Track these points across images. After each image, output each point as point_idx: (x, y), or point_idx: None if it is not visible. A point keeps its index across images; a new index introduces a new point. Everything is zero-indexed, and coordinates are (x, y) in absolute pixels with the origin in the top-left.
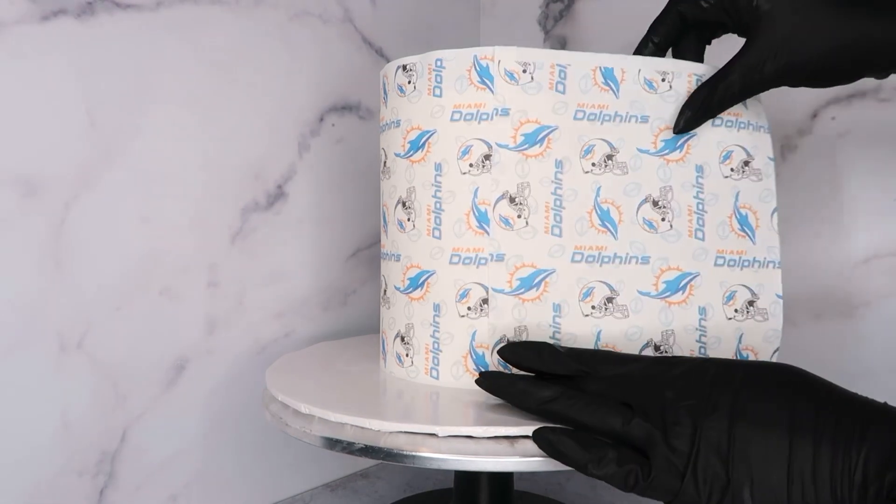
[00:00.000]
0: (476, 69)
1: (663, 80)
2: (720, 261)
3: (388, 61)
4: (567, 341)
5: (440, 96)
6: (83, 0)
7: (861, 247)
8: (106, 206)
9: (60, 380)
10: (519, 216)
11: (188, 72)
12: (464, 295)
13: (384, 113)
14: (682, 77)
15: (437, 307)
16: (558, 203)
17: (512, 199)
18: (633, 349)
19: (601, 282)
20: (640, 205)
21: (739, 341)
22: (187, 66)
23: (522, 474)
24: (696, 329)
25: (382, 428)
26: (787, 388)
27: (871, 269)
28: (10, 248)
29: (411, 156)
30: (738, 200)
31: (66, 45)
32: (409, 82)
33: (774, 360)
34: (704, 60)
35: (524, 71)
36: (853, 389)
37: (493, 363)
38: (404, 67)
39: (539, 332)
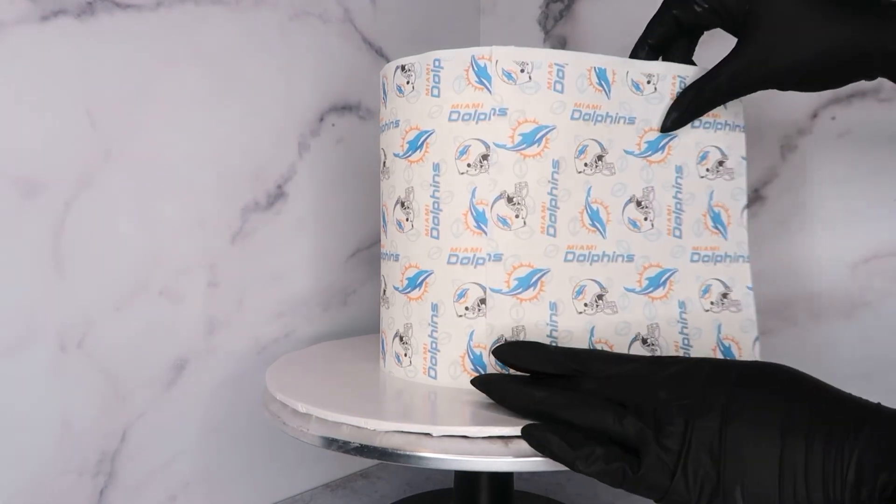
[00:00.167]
0: (474, 69)
1: (649, 82)
2: (695, 257)
3: (388, 61)
4: (564, 339)
5: (438, 96)
6: (83, 0)
7: (861, 247)
8: (106, 205)
9: (60, 380)
10: (517, 216)
11: (188, 72)
12: (461, 295)
13: (383, 113)
14: (666, 79)
15: (435, 307)
16: (553, 203)
17: (510, 199)
18: (622, 343)
19: (591, 280)
20: (626, 205)
21: (719, 332)
22: (187, 66)
23: (522, 474)
24: (678, 322)
25: (378, 427)
26: (780, 388)
27: (871, 269)
28: (10, 248)
29: (410, 156)
30: (712, 199)
31: (66, 45)
32: (408, 82)
33: (756, 348)
34: (698, 59)
35: (522, 70)
36: (852, 390)
37: (491, 363)
38: (403, 68)
39: (536, 331)
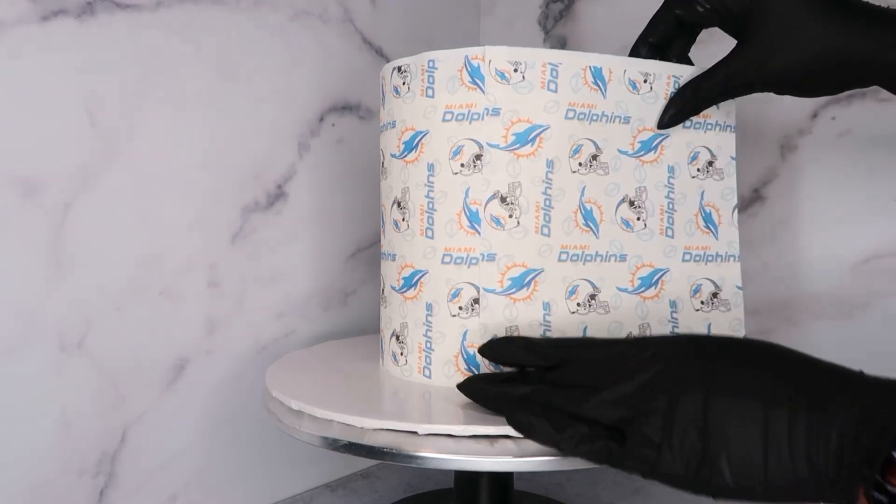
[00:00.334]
0: (467, 69)
1: (645, 81)
2: (687, 256)
3: (388, 61)
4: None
5: (433, 97)
6: (83, 0)
7: (861, 247)
8: (106, 206)
9: (60, 380)
10: (510, 216)
11: (188, 72)
12: (455, 294)
13: (382, 114)
14: (662, 79)
15: (429, 307)
16: (548, 203)
17: (503, 199)
18: None
19: (585, 280)
20: (619, 205)
21: (709, 331)
22: (187, 66)
23: (522, 474)
24: (669, 321)
25: (365, 425)
26: (761, 359)
27: (871, 269)
28: (10, 249)
29: (406, 156)
30: (703, 199)
31: (66, 45)
32: (404, 83)
33: None
34: (695, 58)
35: (515, 70)
36: None
37: (484, 363)
38: (399, 69)
39: (530, 331)
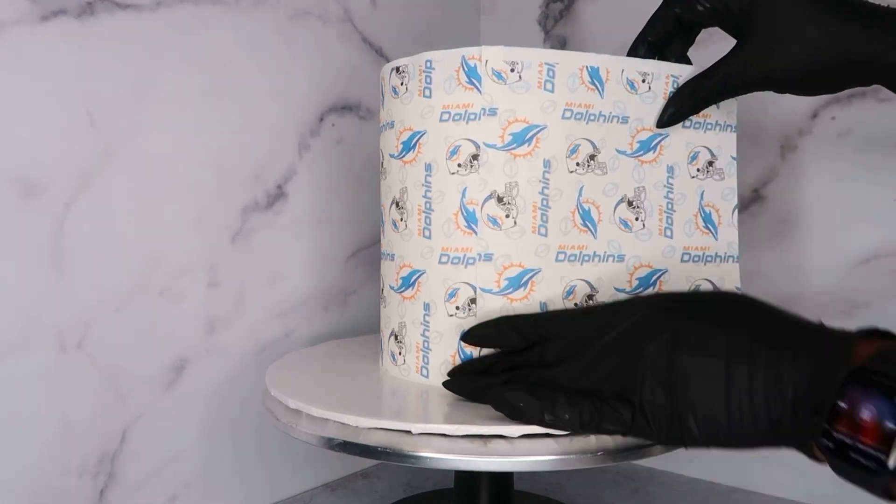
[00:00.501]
0: (464, 69)
1: (643, 80)
2: (686, 257)
3: (388, 61)
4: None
5: (430, 97)
6: (83, 0)
7: (861, 247)
8: (106, 206)
9: (60, 380)
10: (507, 216)
11: (188, 72)
12: (452, 294)
13: (382, 115)
14: (660, 79)
15: (427, 306)
16: (545, 203)
17: (500, 199)
18: None
19: (582, 280)
20: (617, 205)
21: None
22: (187, 66)
23: (522, 474)
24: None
25: (361, 424)
26: (726, 316)
27: (871, 269)
28: (10, 248)
29: (404, 156)
30: (703, 199)
31: (66, 45)
32: (402, 84)
33: None
34: (695, 58)
35: (512, 70)
36: None
37: None
38: (397, 69)
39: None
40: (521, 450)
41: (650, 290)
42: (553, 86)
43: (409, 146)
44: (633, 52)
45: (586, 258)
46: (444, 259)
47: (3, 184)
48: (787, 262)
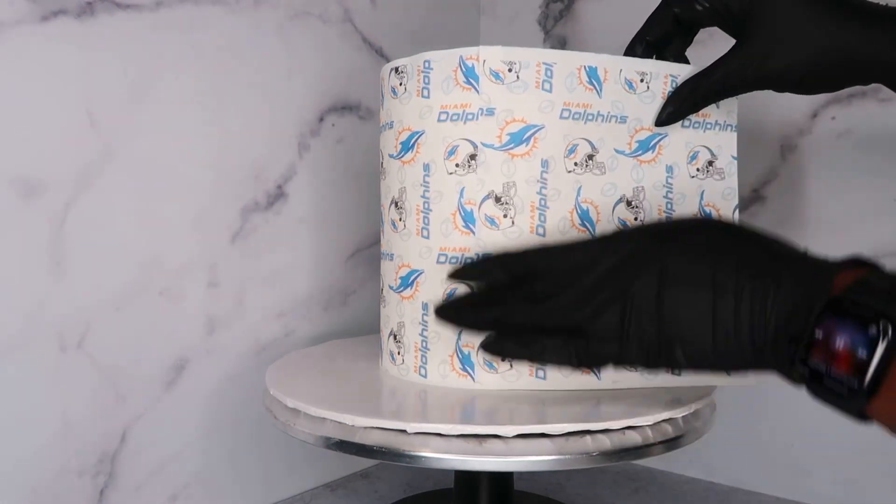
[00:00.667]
0: (462, 69)
1: (642, 80)
2: None
3: (388, 61)
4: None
5: (428, 97)
6: (83, 0)
7: (861, 247)
8: (106, 206)
9: (60, 380)
10: (505, 216)
11: (188, 72)
12: (451, 295)
13: (381, 115)
14: (659, 78)
15: (425, 306)
16: (543, 203)
17: (497, 199)
18: None
19: None
20: (616, 205)
21: None
22: (187, 66)
23: (522, 474)
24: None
25: (357, 423)
26: (712, 245)
27: None
28: (10, 248)
29: (402, 157)
30: (703, 199)
31: (66, 45)
32: (401, 84)
33: None
34: (693, 59)
35: (510, 70)
36: None
37: (479, 363)
38: (396, 70)
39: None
40: (517, 449)
41: None
42: (551, 85)
43: (407, 146)
44: (631, 51)
45: None
46: (443, 259)
47: (3, 184)
48: None
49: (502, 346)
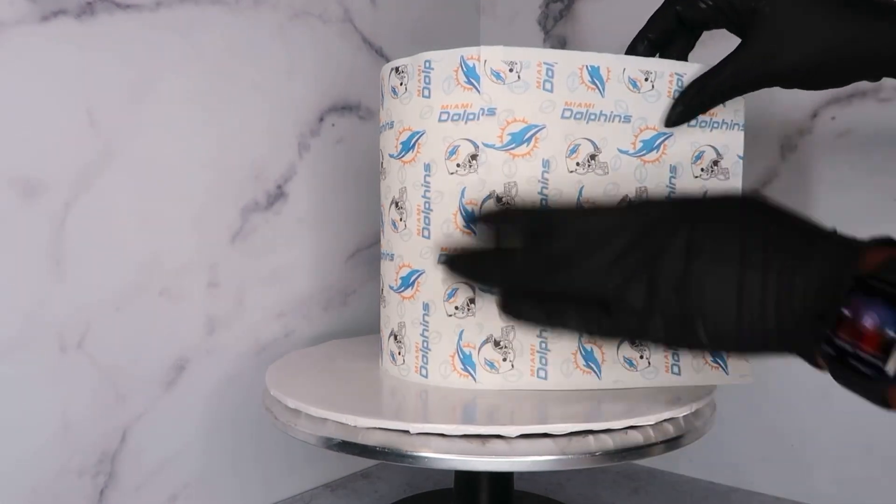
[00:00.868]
0: (463, 69)
1: (646, 79)
2: None
3: (388, 61)
4: (553, 338)
5: (429, 97)
6: (83, 0)
7: None
8: (106, 206)
9: (60, 380)
10: None
11: (188, 72)
12: (451, 294)
13: (382, 115)
14: (664, 77)
15: (426, 306)
16: (544, 203)
17: (499, 199)
18: (610, 342)
19: None
20: None
21: None
22: (187, 66)
23: (522, 474)
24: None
25: (359, 424)
26: (739, 220)
27: None
28: (10, 249)
29: (403, 156)
30: None
31: (66, 45)
32: (401, 84)
33: None
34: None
35: (511, 70)
36: None
37: (480, 363)
38: (397, 69)
39: (527, 331)
40: (519, 450)
41: None
42: (552, 85)
43: (408, 146)
44: (633, 50)
45: None
46: (444, 259)
47: (3, 184)
48: None
49: (520, 308)
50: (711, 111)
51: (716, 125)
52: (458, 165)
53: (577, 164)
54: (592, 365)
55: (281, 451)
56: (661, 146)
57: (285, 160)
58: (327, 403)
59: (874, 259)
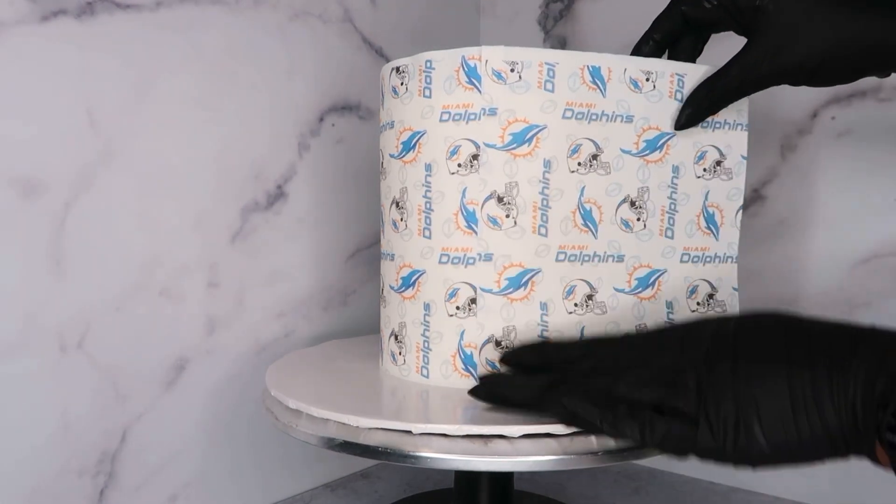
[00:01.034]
0: (464, 69)
1: (647, 79)
2: (685, 257)
3: (388, 61)
4: (554, 338)
5: (430, 97)
6: (83, 0)
7: (861, 247)
8: (106, 206)
9: (60, 380)
10: (507, 216)
11: (188, 72)
12: (452, 294)
13: (382, 115)
14: (665, 77)
15: (427, 306)
16: (545, 203)
17: (500, 199)
18: None
19: (582, 280)
20: (619, 205)
21: None
22: (187, 66)
23: (523, 474)
24: (666, 322)
25: (361, 424)
26: (778, 328)
27: (871, 269)
28: (10, 249)
29: (404, 156)
30: (707, 199)
31: (66, 45)
32: (402, 84)
33: None
34: (703, 60)
35: (512, 70)
36: None
37: (481, 363)
38: (397, 69)
39: (527, 330)
40: (521, 450)
41: (649, 291)
42: (553, 85)
43: (409, 146)
44: (638, 50)
45: (586, 258)
46: (445, 259)
47: (3, 184)
48: (786, 261)
49: (574, 402)
50: None
51: (719, 125)
52: (459, 165)
53: (579, 163)
54: None
55: (281, 450)
56: (665, 146)
57: (285, 160)
58: (328, 404)
59: None
